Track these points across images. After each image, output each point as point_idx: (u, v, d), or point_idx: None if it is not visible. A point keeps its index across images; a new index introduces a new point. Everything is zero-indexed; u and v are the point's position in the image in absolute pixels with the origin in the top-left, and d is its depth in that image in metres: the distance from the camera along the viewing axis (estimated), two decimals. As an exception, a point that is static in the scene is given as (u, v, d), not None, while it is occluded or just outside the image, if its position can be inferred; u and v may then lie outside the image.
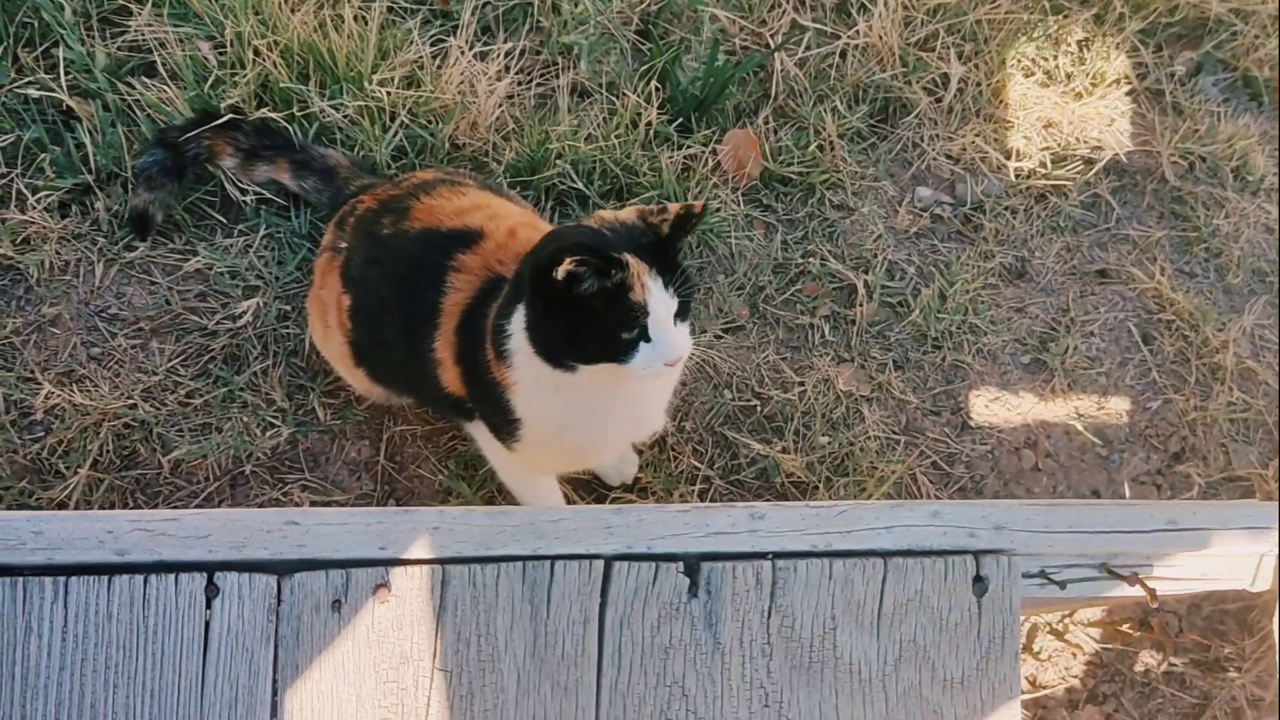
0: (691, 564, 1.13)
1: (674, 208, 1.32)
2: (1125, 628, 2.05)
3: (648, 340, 1.29)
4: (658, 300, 1.28)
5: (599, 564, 1.11)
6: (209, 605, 1.04)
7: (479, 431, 1.60)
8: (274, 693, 1.04)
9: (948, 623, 1.18)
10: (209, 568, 1.04)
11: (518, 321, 1.35)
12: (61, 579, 1.01)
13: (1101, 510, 1.22)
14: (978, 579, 1.18)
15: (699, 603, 1.13)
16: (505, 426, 1.48)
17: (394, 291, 1.53)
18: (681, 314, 1.32)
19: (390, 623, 1.07)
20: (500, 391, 1.42)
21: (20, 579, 1.01)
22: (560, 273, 1.22)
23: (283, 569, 1.06)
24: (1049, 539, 1.20)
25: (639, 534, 1.12)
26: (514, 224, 1.52)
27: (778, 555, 1.15)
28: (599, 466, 1.85)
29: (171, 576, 1.03)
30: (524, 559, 1.10)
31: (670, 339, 1.31)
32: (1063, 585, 1.20)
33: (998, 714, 1.18)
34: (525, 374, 1.38)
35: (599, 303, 1.26)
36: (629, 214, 1.35)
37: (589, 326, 1.29)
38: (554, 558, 1.11)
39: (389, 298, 1.54)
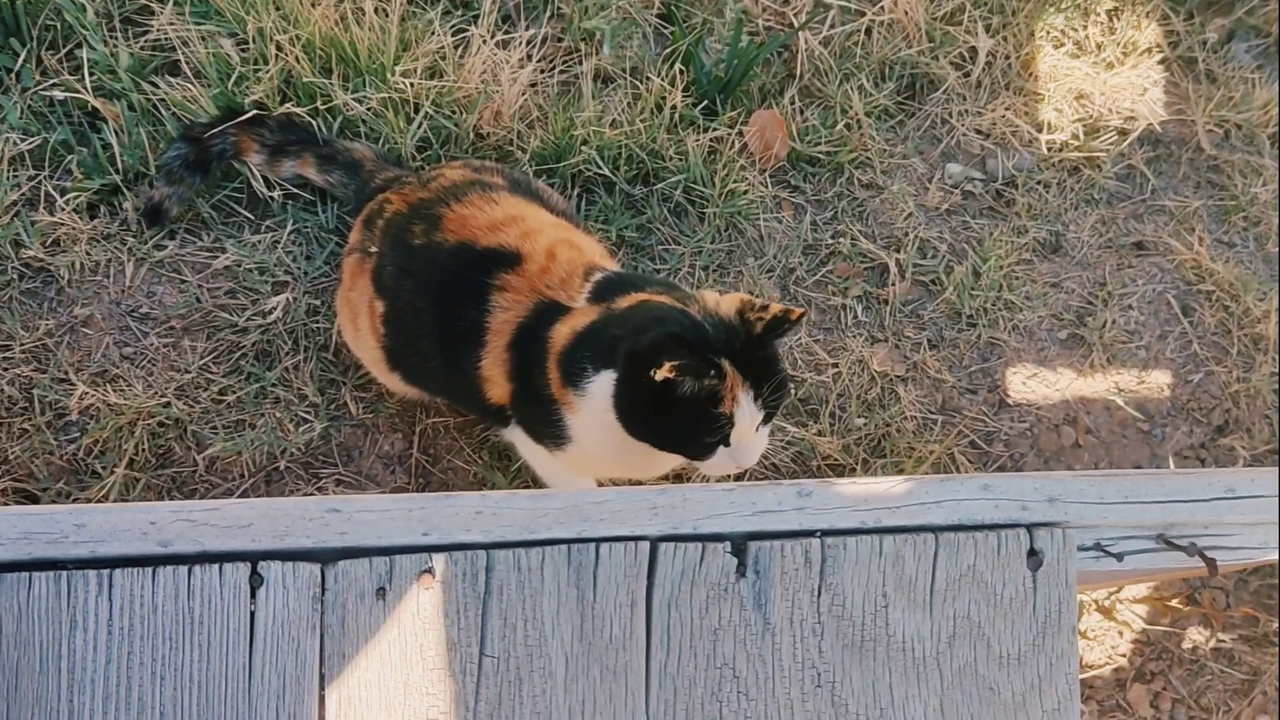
0: (739, 543, 1.11)
1: (775, 309, 1.31)
2: (1174, 603, 2.02)
3: (727, 445, 1.32)
4: (744, 412, 1.30)
5: (644, 545, 1.09)
6: (253, 595, 1.02)
7: (517, 435, 1.59)
8: (321, 682, 1.03)
9: (1002, 598, 1.15)
10: (252, 557, 1.03)
11: (605, 379, 1.35)
12: (106, 572, 1.00)
13: (1158, 480, 1.19)
14: (1032, 552, 1.15)
15: (747, 583, 1.11)
16: (553, 438, 1.48)
17: (430, 305, 1.52)
18: (765, 421, 1.35)
19: (435, 609, 1.05)
20: (558, 408, 1.42)
21: (64, 573, 1.00)
22: (658, 375, 1.24)
23: (326, 557, 1.04)
24: (1104, 510, 1.17)
25: (684, 514, 1.10)
26: (550, 243, 1.51)
27: (826, 533, 1.12)
28: None
29: (215, 567, 1.02)
30: (569, 542, 1.08)
31: (747, 448, 1.34)
32: (1120, 557, 1.17)
33: (1055, 690, 1.15)
34: (593, 415, 1.38)
35: (688, 402, 1.28)
36: (731, 305, 1.34)
37: (674, 420, 1.31)
38: (599, 540, 1.08)
39: (424, 310, 1.52)
